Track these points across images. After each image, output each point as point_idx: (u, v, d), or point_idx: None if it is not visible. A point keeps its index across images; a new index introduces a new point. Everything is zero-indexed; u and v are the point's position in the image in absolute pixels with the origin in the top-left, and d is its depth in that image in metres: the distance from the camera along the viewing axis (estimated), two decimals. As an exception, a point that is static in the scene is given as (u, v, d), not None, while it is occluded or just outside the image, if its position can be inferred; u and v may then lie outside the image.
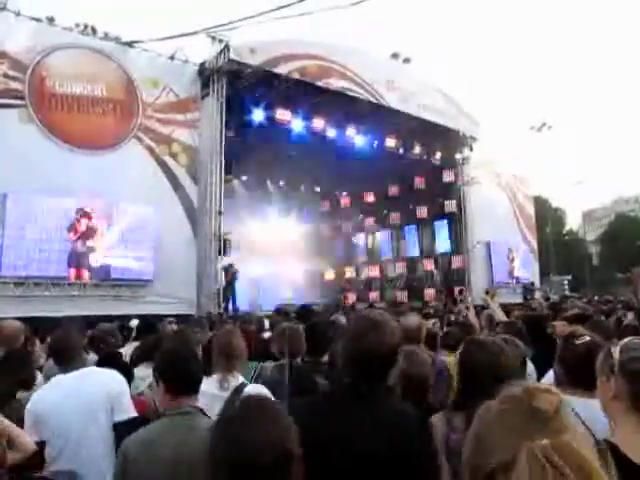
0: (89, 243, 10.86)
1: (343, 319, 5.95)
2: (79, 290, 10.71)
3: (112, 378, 2.89)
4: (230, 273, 13.93)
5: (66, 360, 2.94)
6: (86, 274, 10.80)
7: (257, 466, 1.25)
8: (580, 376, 2.14)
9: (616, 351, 1.57)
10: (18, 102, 10.41)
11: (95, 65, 11.36)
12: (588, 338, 2.31)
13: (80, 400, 2.72)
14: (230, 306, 13.63)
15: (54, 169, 10.27)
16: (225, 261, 13.02)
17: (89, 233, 10.88)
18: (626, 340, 1.61)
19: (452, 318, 8.30)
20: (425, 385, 2.68)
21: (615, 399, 1.53)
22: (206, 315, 10.49)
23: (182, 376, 2.20)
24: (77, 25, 11.27)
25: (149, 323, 5.66)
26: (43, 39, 10.76)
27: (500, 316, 5.32)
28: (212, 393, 2.70)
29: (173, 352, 2.35)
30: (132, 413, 2.82)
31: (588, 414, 1.96)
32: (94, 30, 11.44)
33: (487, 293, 12.94)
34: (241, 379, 3.09)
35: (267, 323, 7.08)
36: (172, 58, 12.40)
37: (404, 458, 1.67)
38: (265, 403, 1.46)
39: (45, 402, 2.74)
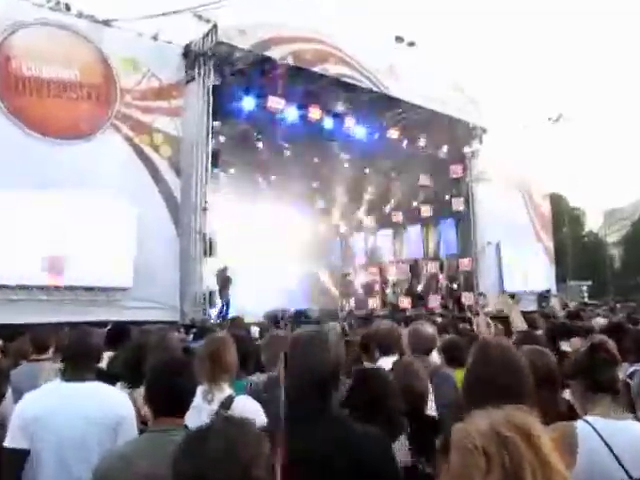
0: (63, 244, 10.66)
1: (338, 327, 5.91)
2: (48, 294, 10.52)
3: (121, 400, 2.77)
4: (224, 277, 13.82)
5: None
6: (62, 278, 10.60)
7: None
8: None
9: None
10: (-20, 85, 10.29)
11: (68, 46, 11.21)
12: None
13: (79, 410, 2.60)
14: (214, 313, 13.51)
15: (21, 159, 10.11)
16: (219, 264, 12.93)
17: (63, 233, 10.68)
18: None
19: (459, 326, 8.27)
20: (421, 397, 2.85)
21: None
22: (190, 322, 10.42)
23: (167, 397, 2.20)
24: (48, 0, 11.14)
25: (122, 330, 5.20)
26: (9, 15, 10.56)
27: (519, 324, 5.25)
28: (195, 405, 2.61)
29: (159, 370, 2.31)
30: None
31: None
32: (67, 7, 11.33)
33: (513, 298, 12.89)
34: (228, 391, 3.09)
35: (257, 331, 7.03)
36: (154, 39, 12.29)
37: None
38: (236, 421, 1.46)
39: (38, 407, 2.62)
